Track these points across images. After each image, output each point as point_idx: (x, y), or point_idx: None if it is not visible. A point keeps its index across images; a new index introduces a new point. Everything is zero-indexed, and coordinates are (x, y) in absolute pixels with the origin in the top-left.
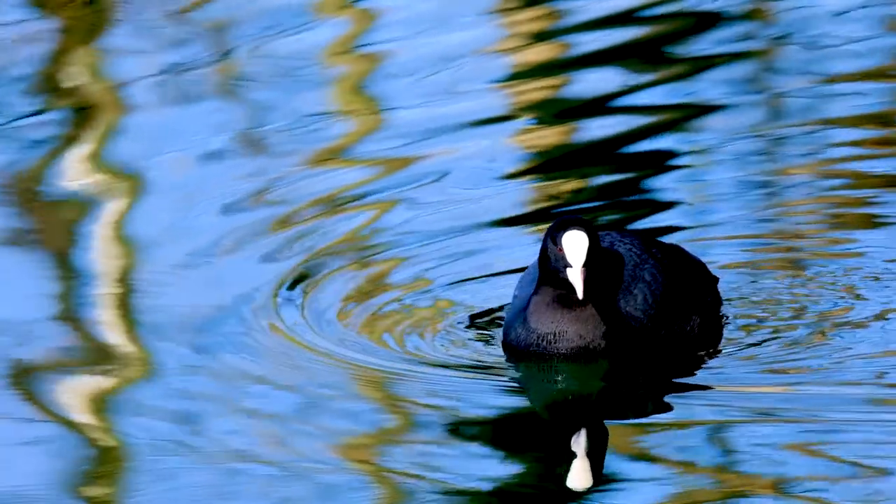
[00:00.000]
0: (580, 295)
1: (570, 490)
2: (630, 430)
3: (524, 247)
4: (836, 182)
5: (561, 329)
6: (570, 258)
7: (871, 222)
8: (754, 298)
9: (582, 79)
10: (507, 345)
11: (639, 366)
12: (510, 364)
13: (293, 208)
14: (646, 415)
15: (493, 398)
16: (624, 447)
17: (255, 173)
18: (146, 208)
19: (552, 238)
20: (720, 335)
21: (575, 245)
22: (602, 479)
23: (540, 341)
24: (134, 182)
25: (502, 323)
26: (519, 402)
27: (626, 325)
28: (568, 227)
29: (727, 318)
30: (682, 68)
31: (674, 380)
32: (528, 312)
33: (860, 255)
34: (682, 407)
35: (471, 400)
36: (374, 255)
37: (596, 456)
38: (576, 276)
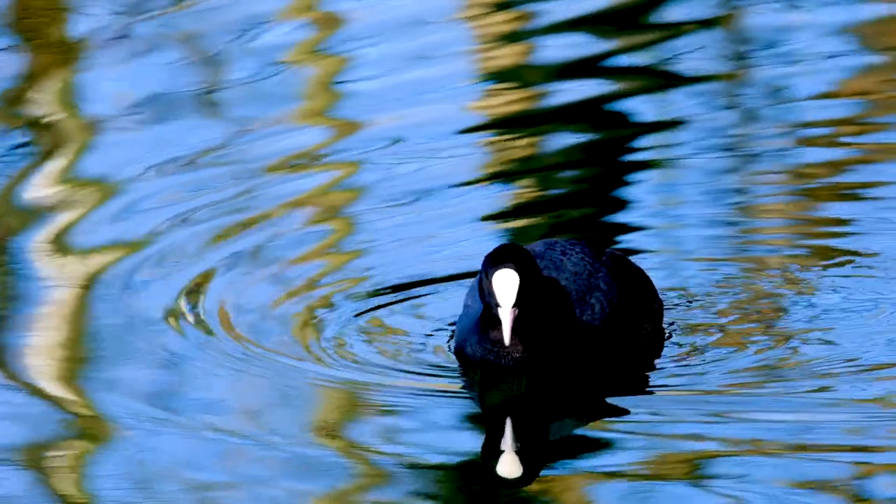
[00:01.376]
0: (507, 340)
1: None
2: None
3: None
4: (806, 161)
5: (520, 346)
6: (499, 298)
7: (843, 209)
8: (714, 308)
9: (546, 45)
10: (461, 355)
11: (594, 375)
12: (462, 372)
13: (243, 171)
14: (600, 422)
15: (448, 412)
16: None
17: (208, 133)
18: (91, 166)
19: (485, 272)
20: (663, 342)
21: (504, 286)
22: (535, 473)
23: (498, 359)
24: (83, 137)
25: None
26: (473, 415)
27: (583, 335)
28: (499, 265)
29: (667, 324)
30: (651, 36)
31: (624, 389)
32: (481, 330)
33: (830, 240)
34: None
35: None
36: (320, 223)
37: (529, 450)
38: (504, 317)
